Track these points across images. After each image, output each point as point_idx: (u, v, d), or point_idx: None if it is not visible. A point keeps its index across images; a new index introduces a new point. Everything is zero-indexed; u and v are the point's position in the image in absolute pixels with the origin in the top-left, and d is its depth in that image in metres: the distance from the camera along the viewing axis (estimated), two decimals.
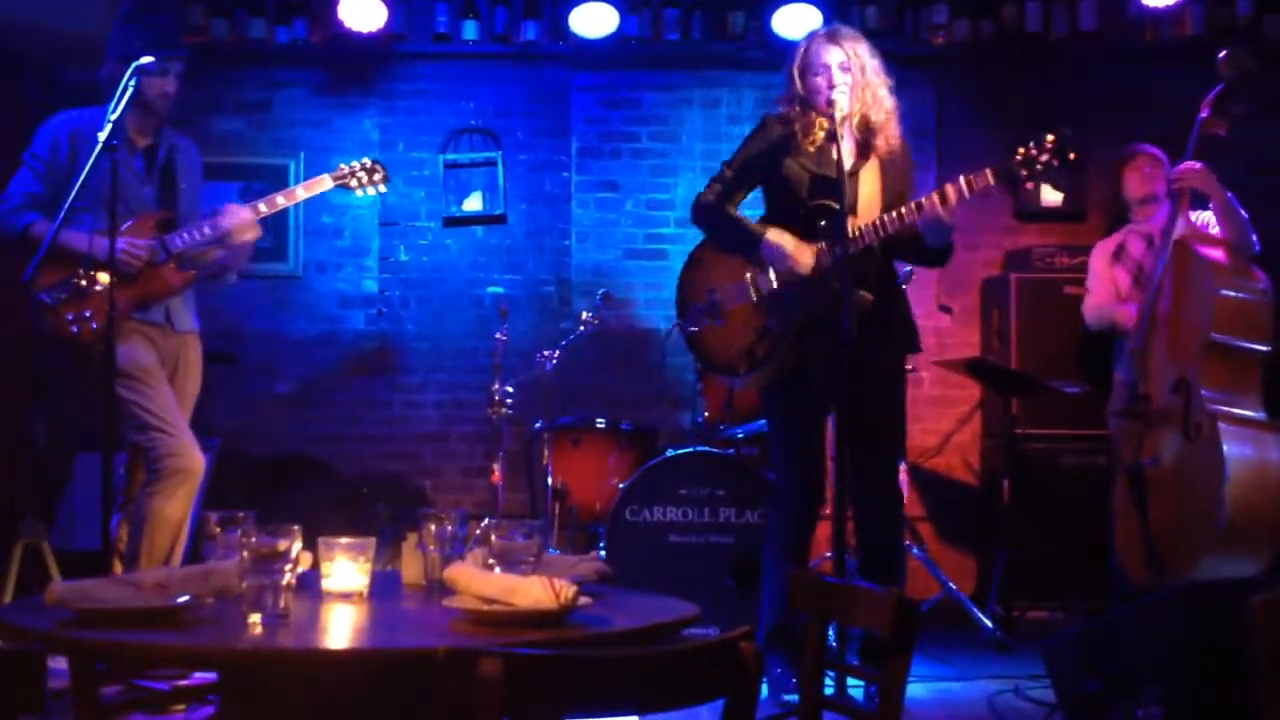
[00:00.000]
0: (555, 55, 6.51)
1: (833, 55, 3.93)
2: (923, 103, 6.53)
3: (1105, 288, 5.25)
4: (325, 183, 4.53)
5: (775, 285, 4.00)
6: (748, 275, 4.08)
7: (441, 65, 6.59)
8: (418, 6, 6.38)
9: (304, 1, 6.31)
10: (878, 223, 3.83)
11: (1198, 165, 4.66)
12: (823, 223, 3.88)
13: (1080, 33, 6.23)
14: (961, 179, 3.71)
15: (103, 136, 3.78)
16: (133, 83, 3.85)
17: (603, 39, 6.23)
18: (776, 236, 3.95)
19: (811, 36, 4.04)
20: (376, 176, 4.61)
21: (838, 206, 3.76)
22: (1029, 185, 3.78)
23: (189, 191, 4.42)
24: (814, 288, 3.91)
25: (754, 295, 4.06)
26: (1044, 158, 3.66)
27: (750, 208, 4.21)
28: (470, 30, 6.31)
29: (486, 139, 6.57)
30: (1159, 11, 6.09)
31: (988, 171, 3.71)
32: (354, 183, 4.59)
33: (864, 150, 3.99)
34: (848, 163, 3.93)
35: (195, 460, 4.19)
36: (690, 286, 4.29)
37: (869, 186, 3.98)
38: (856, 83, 3.92)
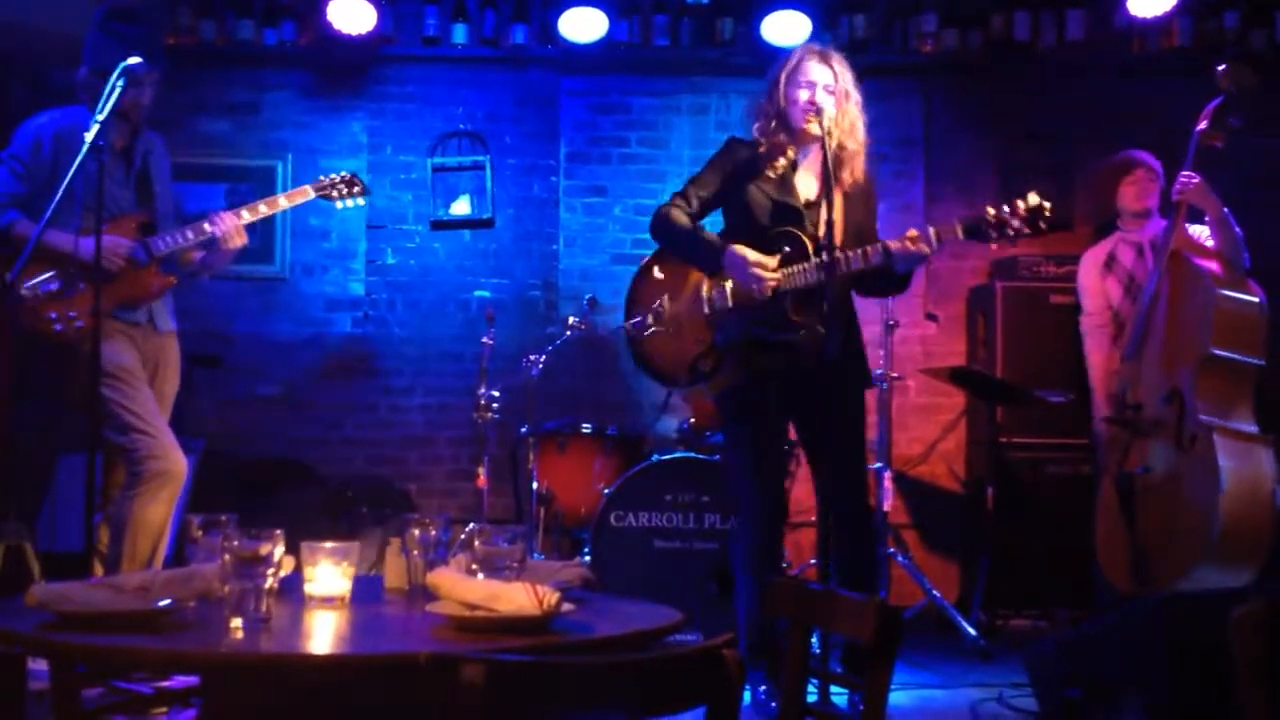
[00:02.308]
0: (544, 59, 6.51)
1: (821, 73, 3.93)
2: (910, 112, 6.55)
3: (1098, 302, 5.25)
4: (307, 193, 4.57)
5: (730, 302, 3.98)
6: (704, 288, 4.06)
7: (430, 68, 6.59)
8: (407, 10, 6.38)
9: (293, 3, 6.30)
10: (842, 258, 3.79)
11: (1196, 179, 4.67)
12: (786, 249, 3.89)
13: (1068, 43, 6.25)
14: (931, 229, 3.75)
15: (89, 137, 3.77)
16: (119, 84, 3.84)
17: (592, 44, 6.23)
18: (739, 248, 3.91)
19: (805, 49, 4.04)
20: (356, 189, 4.67)
21: (801, 234, 3.77)
22: (994, 247, 3.84)
23: (163, 193, 4.43)
24: (764, 308, 3.91)
25: (706, 309, 4.05)
26: (1015, 223, 3.72)
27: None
28: (459, 34, 6.31)
29: (475, 143, 6.57)
30: (1147, 23, 6.12)
31: (957, 227, 3.75)
32: (335, 194, 4.65)
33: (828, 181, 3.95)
34: (812, 192, 3.96)
35: (178, 463, 4.17)
36: (641, 292, 4.27)
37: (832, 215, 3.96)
38: (839, 107, 3.91)
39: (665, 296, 4.17)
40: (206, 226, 4.30)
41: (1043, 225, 3.71)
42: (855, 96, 3.98)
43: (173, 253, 4.29)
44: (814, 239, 3.86)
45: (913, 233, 3.75)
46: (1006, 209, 3.72)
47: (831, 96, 3.91)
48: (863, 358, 4.11)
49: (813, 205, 3.95)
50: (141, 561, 4.07)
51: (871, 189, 4.10)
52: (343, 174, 4.66)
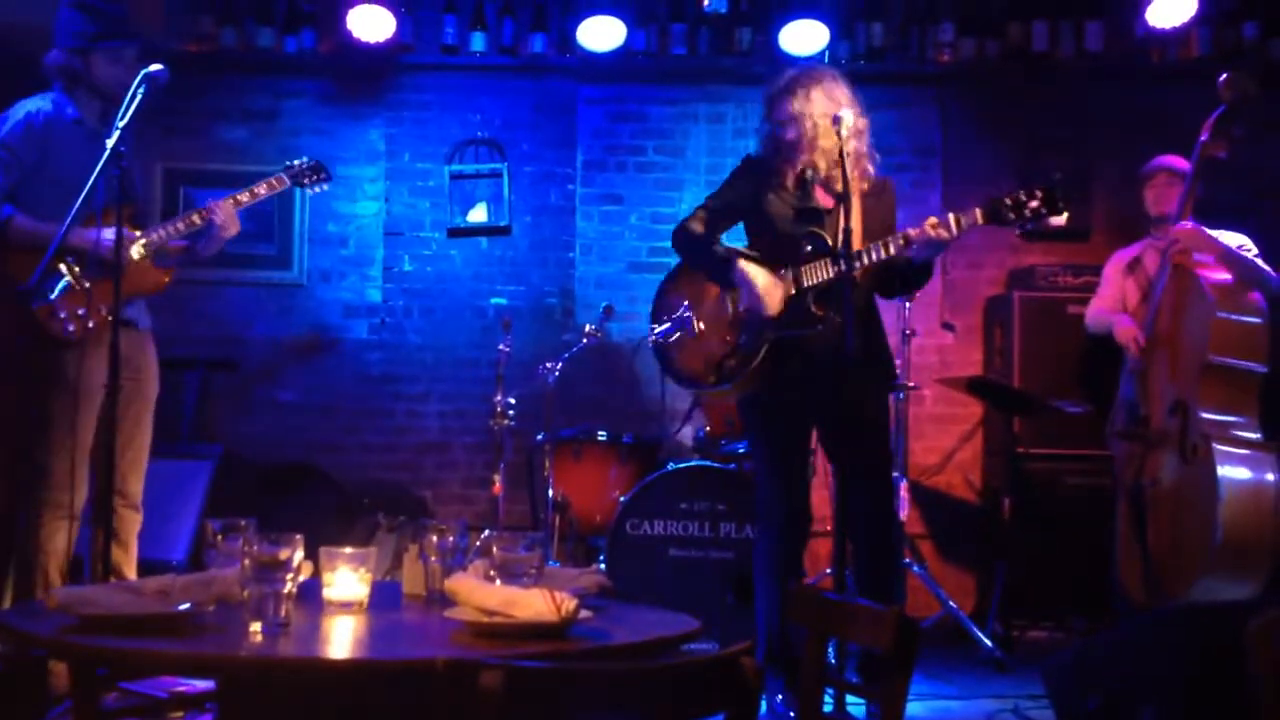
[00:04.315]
0: (562, 68, 6.53)
1: (801, 105, 3.96)
2: (928, 121, 6.54)
3: (1113, 294, 5.22)
4: (284, 181, 4.45)
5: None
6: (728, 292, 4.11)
7: (449, 76, 6.60)
8: (426, 18, 6.40)
9: (313, 11, 6.33)
10: (863, 251, 3.83)
11: (1188, 226, 4.64)
12: (809, 247, 3.92)
13: (1086, 53, 6.24)
14: (950, 215, 3.76)
15: (110, 144, 3.74)
16: (141, 90, 3.79)
17: (609, 52, 6.23)
18: (747, 266, 3.96)
19: (771, 93, 4.08)
20: (321, 175, 4.56)
21: (824, 233, 3.80)
22: (1015, 232, 3.85)
23: (137, 178, 4.23)
24: (787, 306, 3.94)
25: (730, 309, 4.09)
26: (1033, 204, 3.71)
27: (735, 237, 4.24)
28: (478, 42, 6.33)
29: (492, 150, 6.58)
30: (1166, 33, 6.10)
31: (976, 211, 3.76)
32: (305, 180, 4.53)
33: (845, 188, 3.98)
34: (829, 203, 3.99)
35: (81, 499, 4.03)
36: (667, 298, 4.31)
37: (850, 222, 3.98)
38: (815, 117, 3.93)
39: (688, 303, 4.21)
40: (197, 219, 4.16)
41: (1061, 205, 3.70)
42: (840, 94, 3.97)
43: (162, 245, 4.16)
44: (836, 237, 3.88)
45: (932, 220, 3.78)
46: (1023, 193, 3.72)
47: (805, 116, 3.94)
48: (885, 358, 4.13)
49: (831, 213, 3.97)
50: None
51: (887, 188, 4.13)
52: (310, 161, 4.55)
